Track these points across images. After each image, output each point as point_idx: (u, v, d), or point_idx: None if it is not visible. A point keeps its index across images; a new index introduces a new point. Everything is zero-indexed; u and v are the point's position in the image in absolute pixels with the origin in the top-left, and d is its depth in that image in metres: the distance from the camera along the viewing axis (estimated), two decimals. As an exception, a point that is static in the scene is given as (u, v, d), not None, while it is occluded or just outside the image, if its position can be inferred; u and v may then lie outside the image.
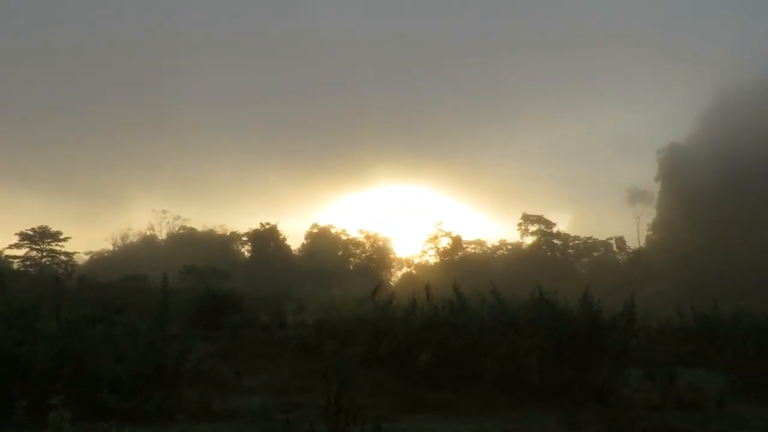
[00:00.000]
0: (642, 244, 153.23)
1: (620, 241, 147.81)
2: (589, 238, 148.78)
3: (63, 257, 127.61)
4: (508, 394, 17.22)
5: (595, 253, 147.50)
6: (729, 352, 22.00)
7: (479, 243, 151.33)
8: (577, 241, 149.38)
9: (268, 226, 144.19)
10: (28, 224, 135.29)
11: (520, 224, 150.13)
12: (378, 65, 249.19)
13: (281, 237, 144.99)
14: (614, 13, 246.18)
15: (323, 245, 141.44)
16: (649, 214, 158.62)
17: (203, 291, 40.78)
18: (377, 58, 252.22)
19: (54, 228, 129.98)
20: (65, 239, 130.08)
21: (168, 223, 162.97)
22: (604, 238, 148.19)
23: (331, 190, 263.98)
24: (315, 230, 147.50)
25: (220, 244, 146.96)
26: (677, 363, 19.86)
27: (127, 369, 14.55)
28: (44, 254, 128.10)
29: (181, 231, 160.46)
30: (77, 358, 14.50)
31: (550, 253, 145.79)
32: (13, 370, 14.16)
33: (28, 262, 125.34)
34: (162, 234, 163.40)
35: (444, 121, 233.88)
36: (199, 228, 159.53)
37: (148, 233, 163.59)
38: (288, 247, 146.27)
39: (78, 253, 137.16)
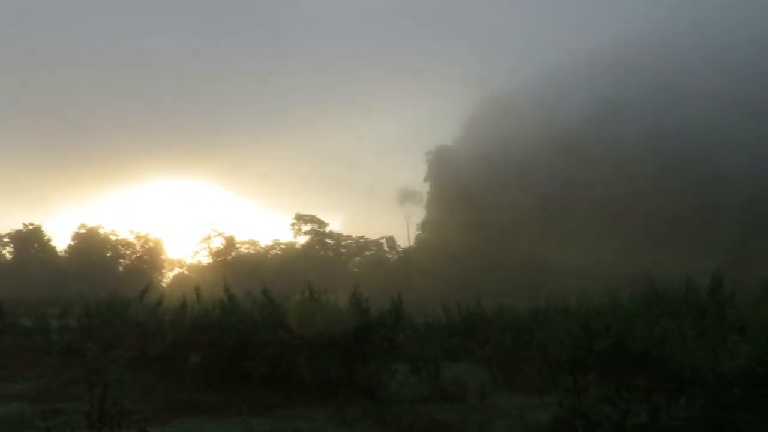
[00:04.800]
0: (412, 243, 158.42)
1: (391, 240, 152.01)
2: (361, 237, 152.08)
3: None
4: (278, 393, 17.18)
5: (367, 252, 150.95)
6: (491, 346, 23.03)
7: (252, 243, 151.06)
8: (349, 241, 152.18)
9: (31, 227, 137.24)
10: None
11: (293, 224, 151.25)
12: (148, 61, 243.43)
13: (46, 238, 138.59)
14: (386, 20, 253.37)
15: (91, 246, 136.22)
16: (419, 214, 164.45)
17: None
18: (145, 54, 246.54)
19: None
20: None
21: None
22: (375, 238, 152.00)
23: (99, 188, 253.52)
24: (82, 231, 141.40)
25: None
26: (442, 357, 20.59)
27: None
28: None
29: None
30: None
31: (323, 253, 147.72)
32: None
33: None
34: None
35: (216, 116, 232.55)
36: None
37: None
38: (53, 249, 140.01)
39: None
